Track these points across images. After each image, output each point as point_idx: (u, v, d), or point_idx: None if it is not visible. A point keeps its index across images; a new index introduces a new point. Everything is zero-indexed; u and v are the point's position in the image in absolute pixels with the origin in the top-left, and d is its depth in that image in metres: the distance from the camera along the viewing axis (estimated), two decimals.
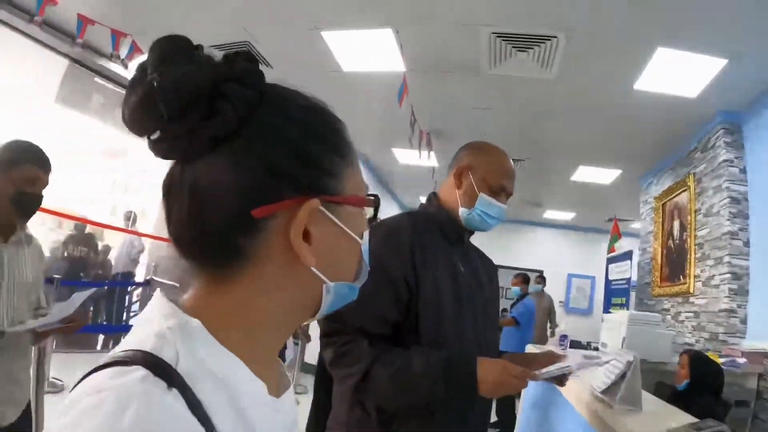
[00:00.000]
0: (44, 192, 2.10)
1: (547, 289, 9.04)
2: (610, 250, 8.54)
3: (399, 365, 1.45)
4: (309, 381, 6.55)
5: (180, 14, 4.89)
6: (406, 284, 1.54)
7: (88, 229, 7.91)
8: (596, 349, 5.72)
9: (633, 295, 7.53)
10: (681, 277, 6.00)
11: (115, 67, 6.10)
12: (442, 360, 1.46)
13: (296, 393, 6.34)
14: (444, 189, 1.81)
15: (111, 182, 8.96)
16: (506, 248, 11.97)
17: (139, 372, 0.47)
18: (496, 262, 2.02)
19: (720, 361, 4.02)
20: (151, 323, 0.55)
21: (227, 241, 0.58)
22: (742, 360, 4.20)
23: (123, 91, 0.56)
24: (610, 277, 8.10)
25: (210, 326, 0.55)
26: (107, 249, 8.35)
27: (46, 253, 7.22)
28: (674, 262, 6.32)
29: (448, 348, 1.53)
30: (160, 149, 0.56)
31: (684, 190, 6.16)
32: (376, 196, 0.67)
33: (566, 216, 12.18)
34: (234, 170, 0.56)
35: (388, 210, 10.75)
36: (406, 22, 4.55)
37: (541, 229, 13.30)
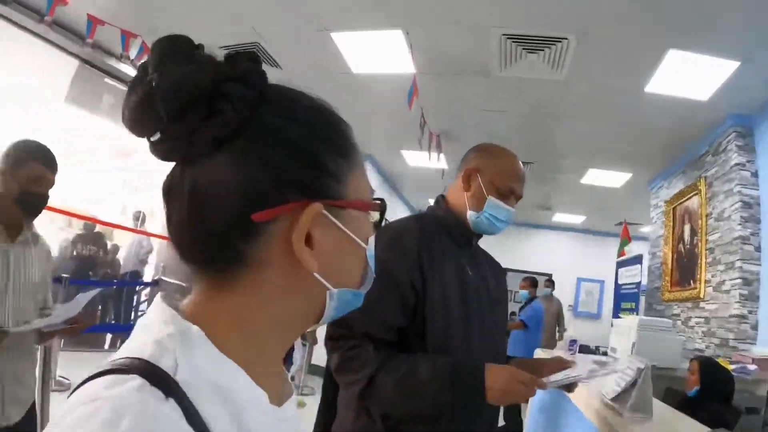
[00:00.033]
0: (51, 191, 2.10)
1: (556, 293, 8.99)
2: (620, 254, 8.50)
3: (405, 371, 1.43)
4: (316, 382, 6.56)
5: (189, 15, 4.89)
6: (412, 288, 1.52)
7: (98, 228, 7.96)
8: (605, 353, 5.69)
9: (642, 299, 7.49)
10: (691, 282, 5.95)
11: (124, 68, 6.13)
12: (449, 366, 1.44)
13: (303, 394, 6.42)
14: (452, 191, 1.78)
15: (121, 182, 9.00)
16: (515, 251, 11.94)
17: (135, 381, 0.46)
18: (504, 265, 2.00)
19: (730, 367, 3.98)
20: (151, 330, 0.54)
21: (227, 245, 0.56)
22: (752, 367, 4.16)
23: None
24: (620, 282, 8.06)
25: (210, 333, 0.54)
26: (116, 248, 8.40)
27: (55, 252, 7.27)
28: (685, 267, 6.27)
29: (455, 353, 1.51)
30: (160, 150, 0.55)
31: (695, 194, 6.11)
32: (382, 200, 0.64)
33: (576, 219, 12.14)
34: (234, 172, 0.54)
35: (397, 212, 10.75)
36: (416, 24, 4.54)
37: (550, 233, 13.25)
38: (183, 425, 0.46)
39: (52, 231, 7.44)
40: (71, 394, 0.48)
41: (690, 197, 6.29)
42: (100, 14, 5.02)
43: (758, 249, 4.90)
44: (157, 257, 8.19)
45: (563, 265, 12.45)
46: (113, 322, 7.92)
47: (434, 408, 1.43)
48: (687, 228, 6.34)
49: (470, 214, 1.69)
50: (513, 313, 7.84)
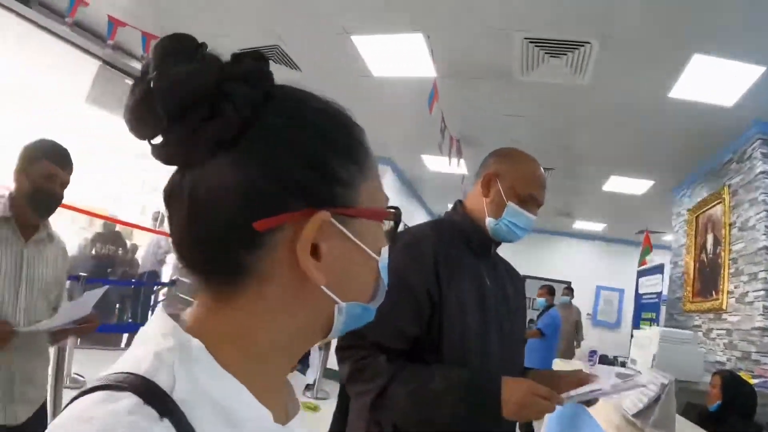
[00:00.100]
0: (65, 190, 2.10)
1: (575, 301, 8.91)
2: (642, 263, 8.40)
3: (418, 382, 1.39)
4: (331, 386, 6.55)
5: (210, 16, 4.92)
6: (428, 298, 1.48)
7: (117, 228, 8.04)
8: (623, 364, 5.61)
9: (663, 309, 7.39)
10: (713, 292, 5.84)
11: None
12: (464, 378, 1.40)
13: (318, 398, 6.41)
14: (471, 197, 1.73)
15: (140, 182, 9.07)
16: (534, 258, 11.88)
17: (128, 400, 0.44)
18: (523, 271, 1.95)
19: (752, 381, 3.90)
20: (149, 342, 0.51)
21: (227, 254, 0.53)
22: None
23: None
24: (641, 291, 7.97)
25: (211, 347, 0.51)
26: (135, 248, 8.49)
27: (75, 251, 7.34)
28: (707, 277, 6.16)
29: (472, 365, 1.47)
30: (161, 153, 0.52)
31: (718, 203, 6.01)
32: (396, 208, 0.60)
33: (596, 227, 12.05)
34: (235, 176, 0.51)
35: (417, 218, 10.74)
36: (437, 27, 4.51)
37: (570, 240, 13.17)
38: None
39: (74, 231, 7.53)
40: (66, 406, 0.46)
41: (713, 205, 6.18)
42: (121, 16, 5.06)
43: None
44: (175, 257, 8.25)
45: (583, 272, 12.35)
46: (130, 321, 7.98)
47: (447, 421, 1.39)
48: (710, 237, 6.24)
49: (489, 221, 1.64)
50: (531, 321, 7.78)
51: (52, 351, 2.32)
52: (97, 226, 7.98)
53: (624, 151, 6.80)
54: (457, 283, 1.53)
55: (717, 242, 5.96)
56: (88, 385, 0.47)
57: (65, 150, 2.11)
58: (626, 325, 11.16)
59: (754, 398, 3.45)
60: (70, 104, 5.81)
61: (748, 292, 5.04)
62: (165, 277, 8.18)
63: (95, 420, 0.42)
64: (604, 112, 5.69)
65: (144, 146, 0.53)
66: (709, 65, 4.33)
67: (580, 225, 12.06)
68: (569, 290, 8.91)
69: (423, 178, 9.93)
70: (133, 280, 8.26)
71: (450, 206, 1.81)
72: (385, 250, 0.62)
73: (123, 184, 8.28)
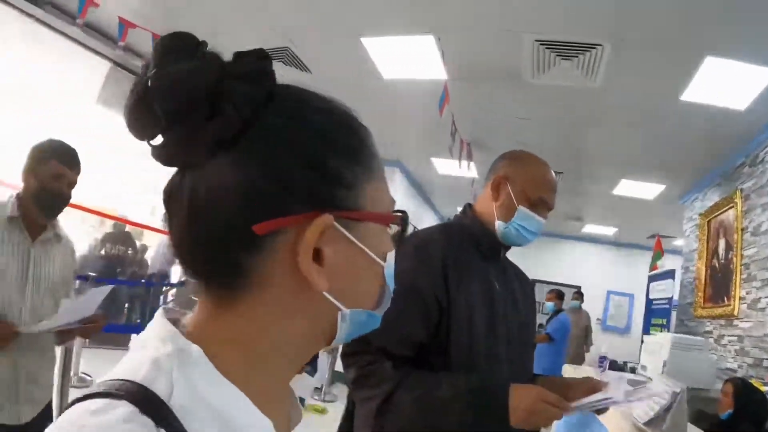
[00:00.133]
0: (72, 190, 2.11)
1: (585, 306, 8.86)
2: (653, 267, 8.35)
3: (424, 389, 1.37)
4: (339, 389, 6.54)
5: (220, 18, 4.92)
6: (436, 302, 1.47)
7: (127, 228, 8.07)
8: (633, 370, 5.56)
9: (673, 315, 7.34)
10: (725, 298, 5.78)
11: None
12: (472, 384, 1.38)
13: (325, 401, 6.39)
14: (480, 200, 1.72)
15: (151, 183, 9.12)
16: (544, 262, 11.86)
17: (123, 409, 0.43)
18: (532, 275, 1.93)
19: (764, 389, 3.85)
20: (148, 348, 0.50)
21: (227, 258, 0.51)
22: None
23: None
24: (651, 296, 7.92)
25: (211, 353, 0.49)
26: (144, 248, 8.52)
27: (85, 251, 7.36)
28: (718, 283, 6.11)
29: (480, 371, 1.45)
30: (160, 154, 0.51)
31: (730, 207, 5.96)
32: (403, 212, 0.57)
33: (607, 231, 12.02)
34: (234, 178, 0.49)
35: (426, 221, 10.74)
36: (447, 29, 4.49)
37: (580, 244, 13.13)
38: None
39: (84, 230, 7.57)
40: (63, 411, 0.45)
41: (725, 210, 6.13)
42: (132, 17, 5.07)
43: None
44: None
45: (593, 277, 12.33)
46: (139, 321, 8.01)
47: (455, 428, 1.37)
48: (722, 242, 6.19)
49: (498, 225, 1.62)
50: (540, 325, 7.74)
51: (58, 351, 2.33)
52: (107, 226, 8.03)
53: (635, 155, 6.76)
54: (466, 286, 1.51)
55: (729, 247, 5.91)
56: (85, 392, 0.45)
57: (73, 150, 2.11)
58: (636, 330, 11.10)
59: (765, 406, 3.41)
60: (81, 105, 5.83)
61: (760, 298, 4.98)
62: (174, 277, 8.21)
63: (87, 429, 0.41)
64: (616, 115, 5.65)
65: None
66: (721, 68, 4.28)
67: (590, 229, 12.03)
68: (579, 295, 8.87)
69: (433, 182, 9.91)
70: (142, 281, 8.30)
71: (460, 209, 1.79)
72: (390, 255, 0.60)
73: (133, 184, 8.33)
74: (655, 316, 7.59)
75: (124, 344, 6.80)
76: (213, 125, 0.48)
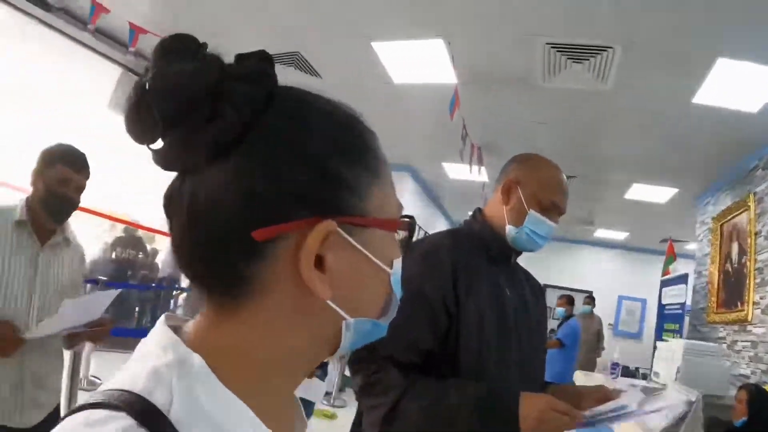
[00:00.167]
0: (80, 194, 2.10)
1: (596, 311, 8.80)
2: (665, 272, 8.28)
3: (432, 397, 1.36)
4: (348, 394, 6.52)
5: (230, 23, 4.94)
6: (445, 308, 1.45)
7: (139, 232, 8.11)
8: (645, 376, 5.51)
9: (686, 320, 7.26)
10: (738, 303, 5.73)
11: None
12: (481, 392, 1.36)
13: (335, 406, 6.37)
14: (491, 204, 1.69)
15: (163, 187, 9.19)
16: (555, 267, 11.79)
17: (121, 422, 0.41)
18: (543, 280, 1.91)
19: None
20: (148, 356, 0.48)
21: (227, 264, 0.50)
22: None
23: None
24: (664, 302, 7.85)
25: (212, 362, 0.48)
26: (155, 252, 8.55)
27: (97, 254, 7.39)
28: (732, 288, 6.05)
29: (490, 379, 1.43)
30: (159, 159, 0.49)
31: (744, 211, 5.90)
32: (411, 217, 0.55)
33: (619, 235, 11.94)
34: (234, 182, 0.48)
35: (437, 226, 10.70)
36: (458, 33, 4.48)
37: (592, 248, 13.06)
38: None
39: (95, 234, 7.61)
40: (62, 420, 0.44)
41: (738, 214, 6.07)
42: (142, 23, 5.10)
43: None
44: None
45: (604, 282, 12.25)
46: (149, 325, 8.04)
47: None
48: (735, 246, 6.13)
49: (509, 229, 1.60)
50: (551, 331, 7.70)
51: (67, 355, 2.32)
52: (118, 230, 8.07)
53: (647, 158, 6.73)
54: (476, 292, 1.50)
55: (742, 251, 5.85)
56: (84, 401, 0.44)
57: (81, 154, 2.10)
58: (648, 335, 11.00)
59: None
60: (92, 109, 5.87)
61: None
62: (185, 281, 8.24)
63: None
64: (627, 118, 5.62)
65: None
66: (734, 70, 4.24)
67: (602, 233, 11.95)
68: (590, 299, 8.81)
69: (443, 186, 9.90)
70: (152, 285, 8.32)
71: (470, 214, 1.77)
72: (397, 262, 0.58)
73: (145, 188, 8.38)
74: (668, 321, 7.52)
75: (134, 348, 6.85)
76: (213, 127, 0.47)
